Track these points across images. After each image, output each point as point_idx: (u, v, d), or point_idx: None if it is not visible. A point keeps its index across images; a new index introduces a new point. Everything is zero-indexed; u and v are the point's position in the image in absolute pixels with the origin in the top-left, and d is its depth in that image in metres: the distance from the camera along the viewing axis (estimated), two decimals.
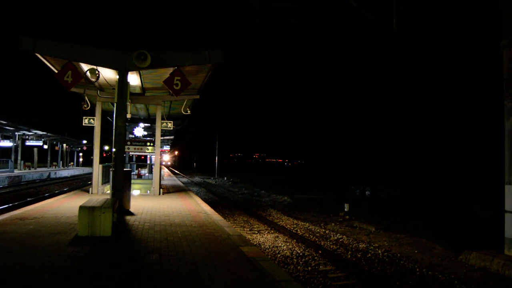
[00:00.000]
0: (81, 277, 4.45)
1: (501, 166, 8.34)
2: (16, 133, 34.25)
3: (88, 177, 37.58)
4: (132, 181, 14.05)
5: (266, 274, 4.68)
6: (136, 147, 15.80)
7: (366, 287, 6.81)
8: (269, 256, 8.52)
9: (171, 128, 16.90)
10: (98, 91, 13.45)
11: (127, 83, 9.13)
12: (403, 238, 10.95)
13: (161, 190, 15.69)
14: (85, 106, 13.83)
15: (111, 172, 9.33)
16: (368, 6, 9.80)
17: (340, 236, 11.16)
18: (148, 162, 38.47)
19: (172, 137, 35.43)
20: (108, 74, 10.91)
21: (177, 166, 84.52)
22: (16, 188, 23.97)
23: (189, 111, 16.34)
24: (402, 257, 8.75)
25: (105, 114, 16.86)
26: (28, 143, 38.85)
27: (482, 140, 18.07)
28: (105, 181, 15.23)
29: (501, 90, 8.41)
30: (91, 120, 14.80)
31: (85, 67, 9.96)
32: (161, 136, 19.05)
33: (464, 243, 9.51)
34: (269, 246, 9.69)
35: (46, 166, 45.29)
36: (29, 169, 39.68)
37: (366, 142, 27.62)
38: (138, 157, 44.55)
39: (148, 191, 16.84)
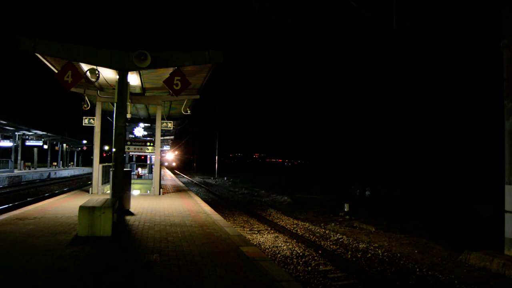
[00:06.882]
0: (81, 277, 4.45)
1: (501, 166, 8.34)
2: (16, 133, 34.26)
3: (88, 177, 37.59)
4: (132, 181, 14.05)
5: (266, 274, 4.68)
6: (136, 147, 15.80)
7: (366, 287, 6.81)
8: (269, 256, 8.52)
9: (171, 128, 16.89)
10: (98, 91, 13.46)
11: (127, 83, 9.13)
12: (403, 238, 10.95)
13: (161, 190, 15.69)
14: (85, 106, 13.82)
15: (111, 172, 9.33)
16: (368, 6, 9.80)
17: (340, 236, 11.16)
18: (148, 162, 38.48)
19: (172, 137, 35.44)
20: (108, 74, 10.91)
21: (177, 166, 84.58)
22: (16, 188, 23.97)
23: (189, 111, 16.34)
24: (402, 257, 8.75)
25: (105, 114, 16.86)
26: (28, 143, 38.86)
27: (482, 140, 18.06)
28: (105, 181, 15.23)
29: (501, 90, 8.41)
30: (91, 120, 14.80)
31: (85, 67, 9.96)
32: (161, 136, 19.05)
33: (464, 243, 9.51)
34: (269, 246, 9.69)
35: (46, 166, 45.29)
36: (29, 169, 39.68)
37: (366, 142, 27.61)
38: (138, 157, 44.56)
39: (148, 191, 16.83)
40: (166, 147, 40.22)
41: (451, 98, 21.28)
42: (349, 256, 8.85)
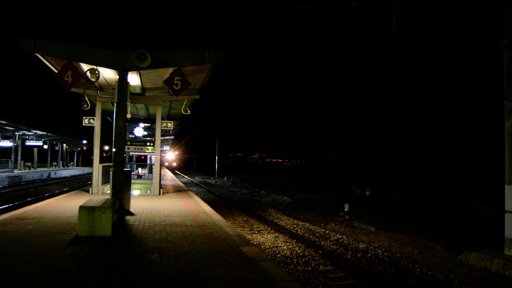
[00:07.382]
0: (81, 277, 4.45)
1: (501, 166, 8.34)
2: (16, 133, 34.26)
3: (88, 177, 37.59)
4: (132, 181, 14.05)
5: (266, 274, 4.68)
6: (136, 147, 15.80)
7: (366, 287, 6.81)
8: (269, 256, 8.52)
9: (171, 128, 16.90)
10: (98, 91, 13.46)
11: (127, 83, 9.13)
12: (403, 238, 10.95)
13: (161, 190, 15.69)
14: (85, 106, 13.82)
15: (111, 172, 9.33)
16: (368, 6, 9.81)
17: (340, 236, 11.16)
18: (148, 162, 38.47)
19: (172, 137, 35.43)
20: (108, 74, 10.91)
21: (177, 166, 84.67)
22: (16, 188, 23.96)
23: (189, 111, 16.34)
24: (402, 257, 8.75)
25: (105, 114, 16.86)
26: (28, 143, 38.85)
27: (482, 140, 18.06)
28: (105, 181, 15.23)
29: (501, 90, 8.41)
30: (91, 120, 14.80)
31: (85, 67, 9.96)
32: (161, 136, 19.04)
33: (464, 243, 9.51)
34: (269, 246, 9.69)
35: (46, 166, 45.29)
36: (29, 169, 39.67)
37: (366, 142, 27.62)
38: (138, 157, 44.54)
39: (148, 191, 16.83)
40: (166, 147, 40.23)
41: (451, 98, 21.29)
42: (349, 256, 8.85)
